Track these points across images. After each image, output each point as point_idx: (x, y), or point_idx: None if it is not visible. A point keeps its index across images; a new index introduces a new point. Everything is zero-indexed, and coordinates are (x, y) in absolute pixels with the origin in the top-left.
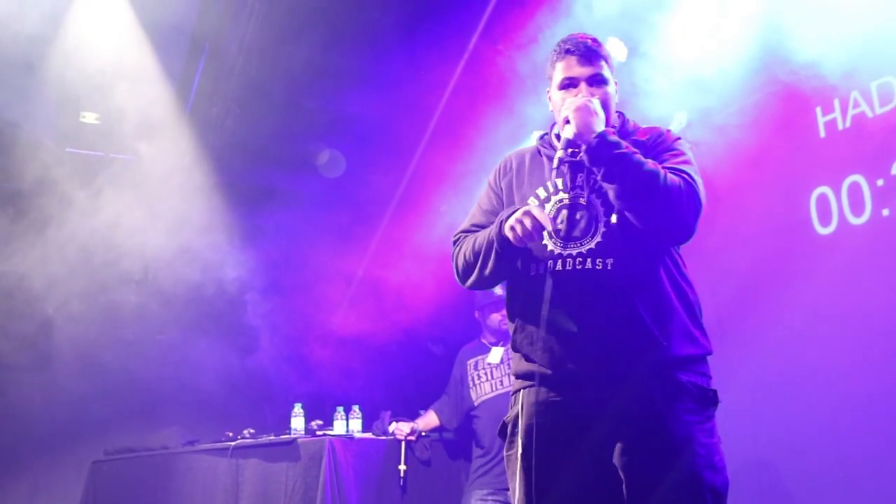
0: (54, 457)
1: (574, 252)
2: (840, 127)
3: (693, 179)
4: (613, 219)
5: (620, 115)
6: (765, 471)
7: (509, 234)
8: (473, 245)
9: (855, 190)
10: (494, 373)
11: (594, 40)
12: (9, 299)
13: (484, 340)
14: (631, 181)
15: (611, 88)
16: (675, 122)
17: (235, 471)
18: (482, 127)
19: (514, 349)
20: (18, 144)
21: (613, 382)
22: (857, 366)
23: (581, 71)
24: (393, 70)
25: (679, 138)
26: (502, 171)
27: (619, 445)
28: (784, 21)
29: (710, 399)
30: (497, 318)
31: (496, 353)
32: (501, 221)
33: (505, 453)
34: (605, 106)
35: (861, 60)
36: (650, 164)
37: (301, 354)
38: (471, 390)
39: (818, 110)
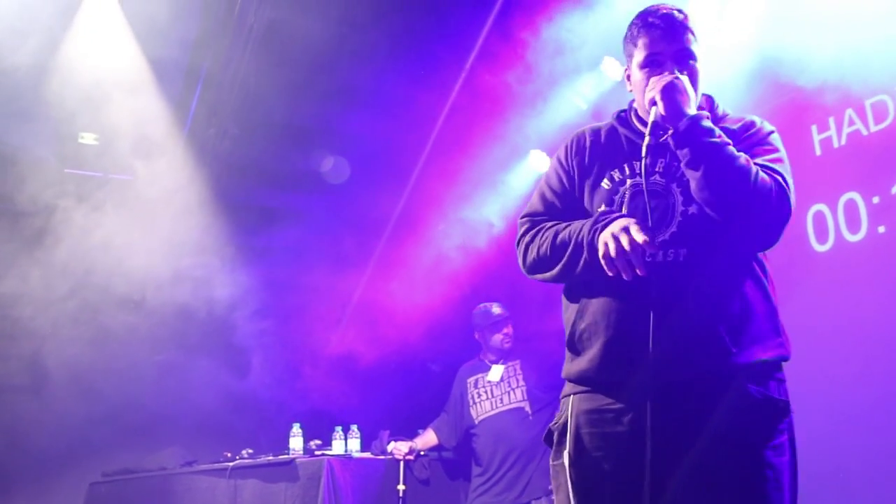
0: (52, 479)
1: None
2: (836, 145)
3: (786, 182)
4: (692, 209)
5: (708, 98)
6: None
7: (600, 248)
8: (555, 241)
9: (851, 207)
10: (494, 391)
11: (679, 10)
12: (4, 321)
13: (483, 358)
14: (719, 174)
15: (696, 66)
16: None
17: (234, 491)
18: (479, 146)
19: (569, 348)
20: (17, 165)
21: (675, 392)
22: (855, 381)
23: (666, 47)
24: (389, 90)
25: (773, 131)
26: (574, 147)
27: (678, 464)
28: (778, 40)
29: (780, 411)
30: (499, 338)
31: (496, 371)
32: (596, 229)
33: (551, 462)
34: (694, 85)
35: (855, 78)
36: (743, 158)
37: (299, 374)
38: (471, 408)
39: (814, 128)
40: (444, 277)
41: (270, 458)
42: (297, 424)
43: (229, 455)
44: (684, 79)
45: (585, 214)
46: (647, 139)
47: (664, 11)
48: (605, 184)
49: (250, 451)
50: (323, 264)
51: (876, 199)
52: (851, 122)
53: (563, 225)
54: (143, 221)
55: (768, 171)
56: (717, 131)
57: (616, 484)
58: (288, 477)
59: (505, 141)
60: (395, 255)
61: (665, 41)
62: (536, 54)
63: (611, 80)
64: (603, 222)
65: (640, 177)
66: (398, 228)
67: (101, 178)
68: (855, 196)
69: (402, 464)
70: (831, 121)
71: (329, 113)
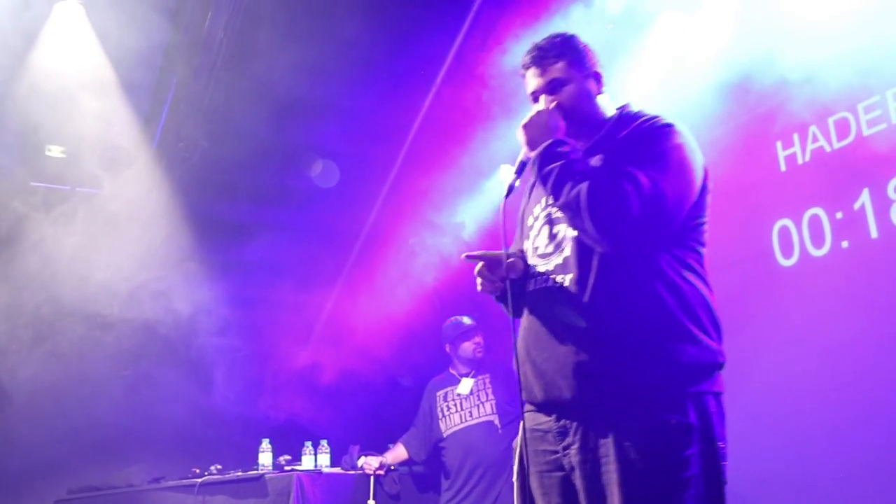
0: (17, 497)
1: (545, 269)
2: (800, 161)
3: (636, 182)
4: (573, 232)
5: (623, 107)
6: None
7: (484, 292)
8: None
9: (815, 223)
10: (464, 404)
11: (549, 40)
12: None
13: (453, 371)
14: (558, 193)
15: (573, 87)
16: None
17: None
18: (449, 161)
19: None
20: None
21: (578, 412)
22: (821, 394)
23: (537, 83)
24: (359, 105)
25: (663, 130)
26: (526, 189)
27: (578, 481)
28: (744, 58)
29: (676, 430)
30: (469, 346)
31: (466, 385)
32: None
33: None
34: (568, 108)
35: (819, 96)
36: (587, 180)
37: (268, 389)
38: (440, 421)
39: (778, 144)
40: (413, 292)
41: (239, 473)
42: (267, 440)
43: (198, 471)
44: (547, 111)
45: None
46: (513, 178)
47: (531, 48)
48: (530, 220)
49: (219, 466)
50: (293, 279)
51: (839, 215)
52: (815, 139)
53: None
54: (110, 235)
55: (625, 174)
56: (565, 151)
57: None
58: (257, 492)
59: (475, 156)
60: (365, 269)
61: (535, 77)
62: (505, 70)
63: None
64: None
65: (552, 208)
66: (368, 243)
67: (67, 191)
68: (819, 211)
69: (372, 478)
70: (795, 137)
71: (299, 127)
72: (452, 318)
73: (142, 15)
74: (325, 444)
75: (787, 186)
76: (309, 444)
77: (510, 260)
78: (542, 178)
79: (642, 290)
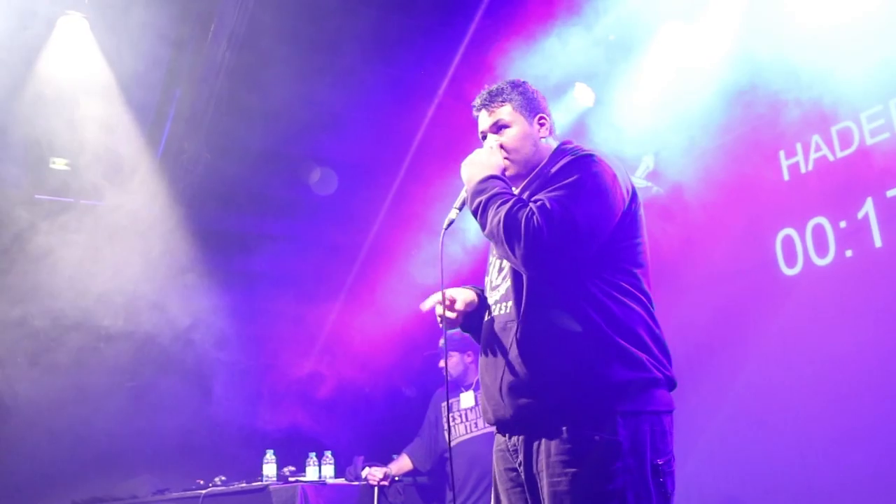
0: None
1: (494, 300)
2: (803, 170)
3: (543, 211)
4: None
5: (561, 144)
6: None
7: (440, 323)
8: None
9: (819, 232)
10: (469, 415)
11: (498, 86)
12: None
13: (458, 384)
14: (484, 223)
15: (514, 130)
16: (643, 167)
17: None
18: (453, 171)
19: None
20: None
21: (519, 430)
22: (824, 401)
23: (484, 124)
24: (363, 115)
25: (579, 162)
26: None
27: (530, 499)
28: (747, 69)
29: (605, 450)
30: (442, 363)
31: (468, 398)
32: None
33: None
34: (510, 148)
35: (822, 106)
36: (504, 208)
37: (272, 401)
38: (444, 432)
39: (781, 154)
40: (417, 303)
41: (244, 485)
42: (271, 451)
43: (202, 482)
44: (484, 151)
45: None
46: (454, 213)
47: (484, 91)
48: (491, 258)
49: (223, 478)
50: (296, 290)
51: (843, 224)
52: (818, 148)
53: None
54: (113, 247)
55: (532, 203)
56: (490, 190)
57: None
58: None
59: None
60: (368, 280)
61: (483, 119)
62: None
63: (581, 105)
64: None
65: None
66: (372, 253)
67: (72, 203)
68: (823, 221)
69: (376, 489)
70: (798, 147)
71: (302, 139)
72: (444, 337)
73: (145, 28)
74: (330, 455)
75: (790, 196)
76: (313, 455)
77: (467, 293)
78: (473, 212)
79: (571, 313)
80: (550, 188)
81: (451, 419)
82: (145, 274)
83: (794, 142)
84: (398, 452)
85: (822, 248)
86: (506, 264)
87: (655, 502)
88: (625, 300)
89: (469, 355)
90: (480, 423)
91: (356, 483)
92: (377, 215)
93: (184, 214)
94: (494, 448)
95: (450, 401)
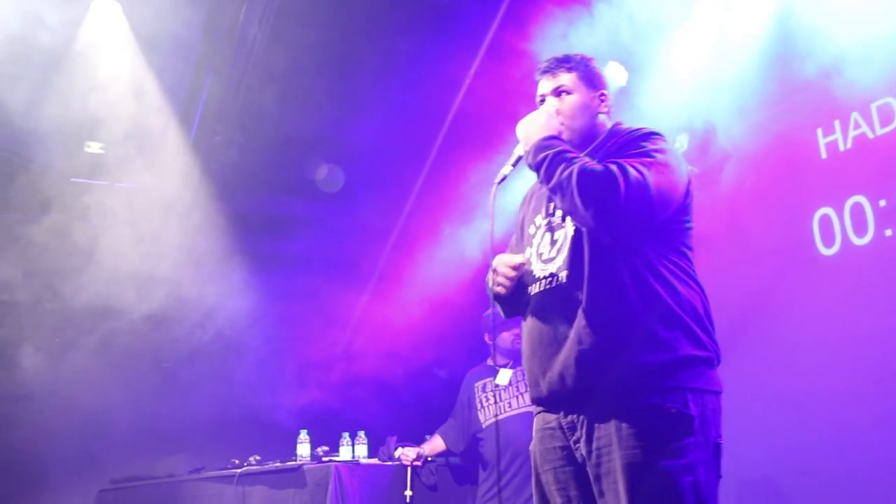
0: (61, 486)
1: (547, 273)
2: (841, 148)
3: (621, 169)
4: (571, 230)
5: (616, 124)
6: (769, 489)
7: (496, 290)
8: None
9: (857, 211)
10: (502, 395)
11: (566, 54)
12: (11, 329)
13: (491, 363)
14: (550, 176)
15: (575, 98)
16: (677, 146)
17: (242, 498)
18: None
19: None
20: (23, 174)
21: (581, 404)
22: (861, 384)
23: (545, 87)
24: (394, 98)
25: (649, 136)
26: (523, 202)
27: (590, 471)
28: (783, 45)
29: (675, 421)
30: (508, 336)
31: (504, 375)
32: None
33: None
34: (566, 114)
35: (860, 81)
36: (577, 162)
37: (306, 381)
38: (479, 412)
39: (819, 132)
40: (450, 283)
41: (278, 464)
42: (305, 431)
43: (237, 462)
44: (544, 112)
45: None
46: (507, 168)
47: (550, 57)
48: (531, 229)
49: (258, 457)
50: (330, 271)
51: (883, 203)
52: (857, 125)
53: None
54: (150, 230)
55: (608, 164)
56: (557, 146)
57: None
58: (296, 483)
59: (510, 145)
60: (401, 261)
61: (545, 82)
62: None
63: (615, 84)
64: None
65: (552, 216)
66: (404, 235)
67: (107, 186)
68: (861, 199)
69: (409, 469)
70: (837, 124)
71: (334, 121)
72: (491, 309)
73: (177, 11)
74: (363, 436)
75: (827, 174)
76: (347, 435)
77: (522, 263)
78: (536, 165)
79: (637, 283)
80: (620, 157)
81: (485, 399)
82: (181, 256)
83: (833, 119)
84: (431, 433)
85: (860, 228)
86: (559, 236)
87: (715, 481)
88: (686, 279)
89: (513, 332)
90: (514, 402)
91: (389, 463)
92: (409, 197)
93: (217, 197)
94: (538, 426)
95: (484, 380)
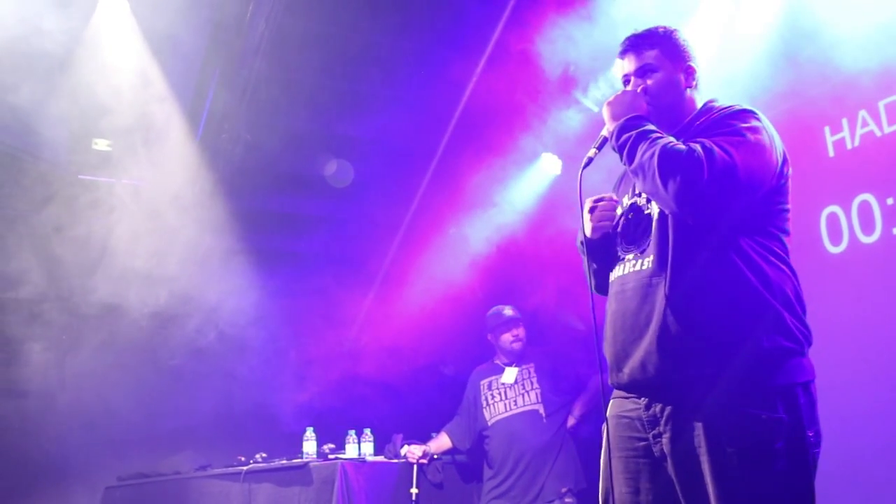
0: (67, 483)
1: (631, 255)
2: (849, 146)
3: (707, 150)
4: (656, 213)
5: (709, 101)
6: None
7: (603, 225)
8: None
9: (865, 209)
10: (508, 393)
11: (648, 30)
12: (20, 325)
13: (497, 361)
14: (632, 156)
15: (660, 75)
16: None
17: (248, 495)
18: (491, 150)
19: None
20: (31, 171)
21: (665, 395)
22: (869, 383)
23: (629, 67)
24: (401, 95)
25: (741, 114)
26: (616, 180)
27: (671, 469)
28: (790, 43)
29: (765, 429)
30: (508, 338)
31: (510, 374)
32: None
33: None
34: (654, 94)
35: (868, 79)
36: (660, 142)
37: (312, 378)
38: (484, 410)
39: (826, 130)
40: (456, 281)
41: (284, 461)
42: (311, 428)
43: (243, 459)
44: (628, 92)
45: None
46: (592, 151)
47: (632, 34)
48: (619, 210)
49: (264, 454)
50: (336, 269)
51: (890, 201)
52: (865, 124)
53: None
54: (155, 227)
55: (697, 143)
56: (642, 126)
57: (631, 487)
58: (302, 481)
59: (517, 144)
60: (407, 259)
61: (629, 62)
62: (547, 58)
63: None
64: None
65: (638, 197)
66: (410, 233)
67: (114, 183)
68: (869, 197)
69: (415, 467)
70: (844, 122)
71: (340, 119)
72: (494, 308)
73: (185, 8)
74: (369, 433)
75: (835, 172)
76: (352, 432)
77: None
78: (619, 147)
79: (725, 271)
80: (708, 135)
81: (491, 396)
82: (188, 254)
83: (840, 117)
84: (437, 431)
85: (868, 226)
86: (644, 219)
87: (811, 476)
88: (778, 263)
89: (513, 333)
90: (520, 400)
91: (395, 461)
92: (415, 195)
93: (224, 194)
94: (614, 412)
95: (490, 378)
